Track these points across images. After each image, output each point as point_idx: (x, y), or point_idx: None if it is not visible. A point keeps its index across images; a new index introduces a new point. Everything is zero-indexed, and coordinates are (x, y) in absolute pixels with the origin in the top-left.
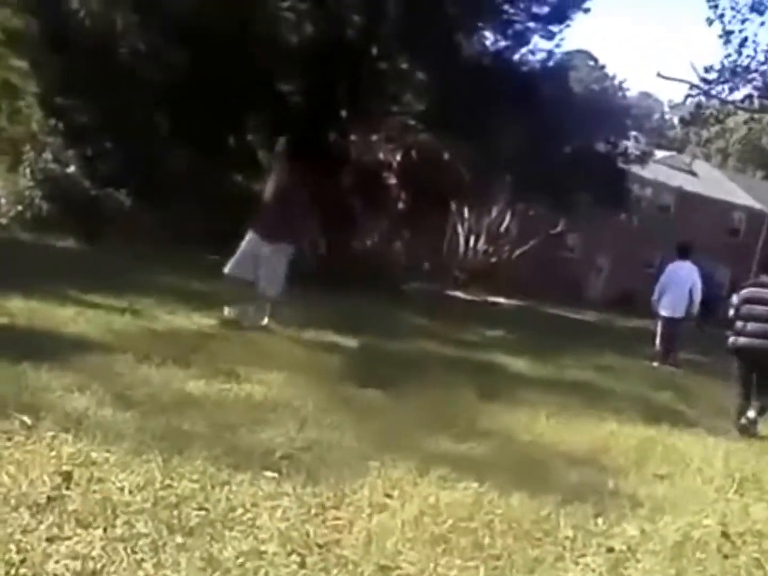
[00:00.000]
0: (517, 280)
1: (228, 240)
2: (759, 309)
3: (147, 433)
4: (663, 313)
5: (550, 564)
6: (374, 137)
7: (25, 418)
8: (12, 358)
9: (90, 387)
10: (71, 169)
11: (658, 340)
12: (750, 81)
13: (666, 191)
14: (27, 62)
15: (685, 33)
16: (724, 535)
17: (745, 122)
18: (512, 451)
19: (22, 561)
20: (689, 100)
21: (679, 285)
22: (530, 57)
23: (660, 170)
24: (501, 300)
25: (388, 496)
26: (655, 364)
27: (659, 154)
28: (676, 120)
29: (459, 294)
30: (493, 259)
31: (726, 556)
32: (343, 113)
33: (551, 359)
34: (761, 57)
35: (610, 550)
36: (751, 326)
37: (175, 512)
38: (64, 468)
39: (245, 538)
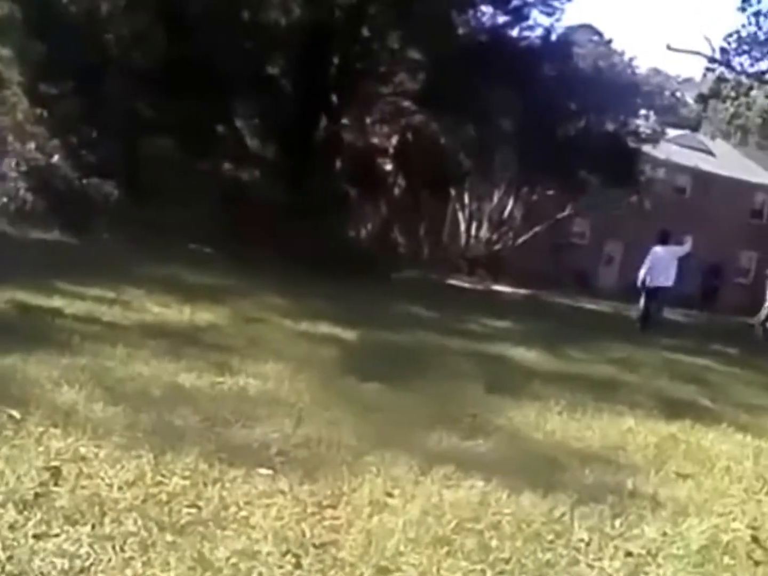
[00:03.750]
0: (523, 269)
1: (217, 230)
2: None
3: (137, 428)
4: (654, 284)
5: (562, 568)
6: (368, 120)
7: (14, 412)
8: (0, 351)
9: (79, 380)
10: (56, 159)
11: (641, 305)
12: None
13: (681, 172)
14: (11, 50)
15: (694, 5)
16: (755, 539)
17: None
18: (522, 449)
19: (9, 558)
20: (707, 74)
21: (665, 262)
22: (529, 33)
23: (674, 150)
24: (506, 289)
25: (389, 494)
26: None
27: (672, 133)
28: (688, 97)
29: (460, 283)
30: (497, 247)
31: (757, 563)
32: (334, 97)
33: (562, 351)
34: None
35: (629, 554)
36: None
37: (166, 510)
38: (53, 463)
39: (238, 538)
